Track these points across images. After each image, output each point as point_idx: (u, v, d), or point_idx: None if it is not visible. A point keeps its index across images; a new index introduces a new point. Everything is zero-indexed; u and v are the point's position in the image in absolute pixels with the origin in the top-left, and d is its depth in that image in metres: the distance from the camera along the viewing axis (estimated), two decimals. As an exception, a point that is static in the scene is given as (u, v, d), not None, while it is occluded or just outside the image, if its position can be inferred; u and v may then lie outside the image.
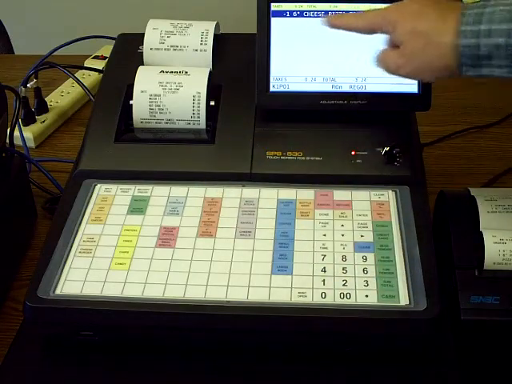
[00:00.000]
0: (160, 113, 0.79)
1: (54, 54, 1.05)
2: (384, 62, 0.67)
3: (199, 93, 0.78)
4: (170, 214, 0.71)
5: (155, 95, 0.78)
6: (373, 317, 0.61)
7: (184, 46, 0.83)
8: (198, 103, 0.78)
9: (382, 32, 0.66)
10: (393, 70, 0.66)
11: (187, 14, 0.85)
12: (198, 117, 0.78)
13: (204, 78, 0.79)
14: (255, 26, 0.77)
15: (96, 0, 2.50)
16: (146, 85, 0.79)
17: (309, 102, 0.77)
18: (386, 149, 0.74)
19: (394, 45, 0.66)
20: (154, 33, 0.84)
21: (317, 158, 0.75)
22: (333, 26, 0.70)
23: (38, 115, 1.05)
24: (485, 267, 0.66)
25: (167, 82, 0.79)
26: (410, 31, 0.63)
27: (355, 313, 0.61)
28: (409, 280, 0.64)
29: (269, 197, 0.73)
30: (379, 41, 0.76)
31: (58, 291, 0.64)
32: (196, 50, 0.83)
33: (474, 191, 0.73)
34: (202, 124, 0.79)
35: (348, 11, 0.76)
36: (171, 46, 0.83)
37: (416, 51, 0.63)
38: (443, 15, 0.61)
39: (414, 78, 0.71)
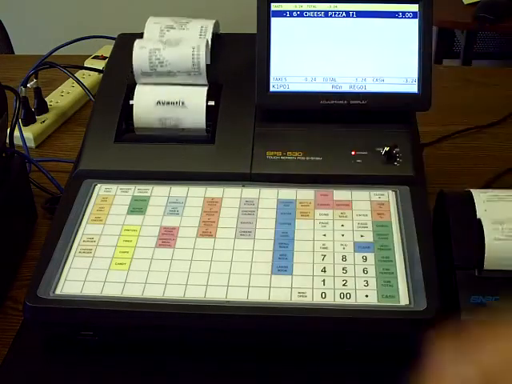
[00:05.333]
0: (161, 66, 0.78)
1: (54, 54, 1.05)
2: None
3: (198, 46, 0.77)
4: (169, 213, 0.72)
5: (155, 49, 0.78)
6: (373, 317, 0.61)
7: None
8: (198, 57, 0.77)
9: None
10: None
11: (187, 14, 0.85)
12: (198, 68, 0.78)
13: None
14: (255, 25, 0.77)
15: (96, 0, 2.50)
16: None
17: (309, 101, 0.77)
18: (386, 149, 0.74)
19: None
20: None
21: (317, 158, 0.75)
22: None
23: (38, 115, 1.05)
24: (485, 267, 0.66)
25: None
26: None
27: (355, 313, 0.61)
28: (409, 280, 0.64)
29: (269, 197, 0.73)
30: (379, 41, 0.76)
31: (57, 291, 0.64)
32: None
33: (474, 191, 0.72)
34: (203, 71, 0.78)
35: (348, 11, 0.76)
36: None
37: None
38: None
39: None
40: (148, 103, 0.79)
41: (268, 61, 0.77)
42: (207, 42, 0.80)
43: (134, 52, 0.78)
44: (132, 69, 0.80)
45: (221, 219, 0.71)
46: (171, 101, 0.79)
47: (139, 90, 0.79)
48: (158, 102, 0.79)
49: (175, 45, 0.78)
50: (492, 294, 0.65)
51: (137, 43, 0.79)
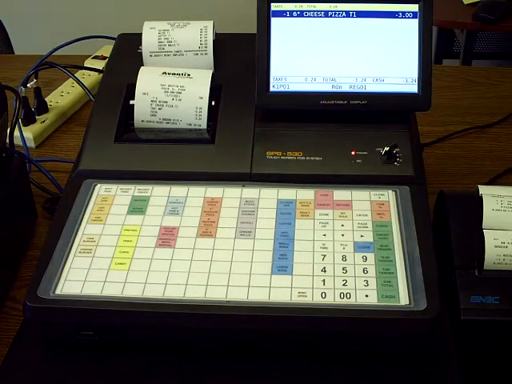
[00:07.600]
0: (169, 45, 0.81)
1: (54, 54, 1.05)
2: None
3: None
4: (169, 213, 0.72)
5: (164, 30, 0.81)
6: (373, 317, 0.61)
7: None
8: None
9: None
10: None
11: (187, 14, 0.85)
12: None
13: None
14: (255, 25, 0.77)
15: (96, 0, 2.50)
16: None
17: (309, 102, 0.77)
18: (386, 149, 0.74)
19: None
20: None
21: (317, 158, 0.75)
22: None
23: (38, 115, 1.05)
24: (485, 267, 0.66)
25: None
26: None
27: (355, 313, 0.61)
28: (409, 280, 0.64)
29: (269, 197, 0.73)
30: (379, 41, 0.76)
31: (58, 291, 0.64)
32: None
33: (481, 188, 0.72)
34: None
35: (348, 11, 0.76)
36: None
37: None
38: None
39: None
40: (153, 75, 0.80)
41: (268, 61, 0.77)
42: (213, 23, 0.83)
43: (143, 32, 0.82)
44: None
45: (221, 219, 0.71)
46: (177, 72, 0.80)
47: (144, 67, 0.81)
48: (164, 73, 0.80)
49: (183, 26, 0.80)
50: (492, 294, 0.65)
51: (146, 24, 0.81)
